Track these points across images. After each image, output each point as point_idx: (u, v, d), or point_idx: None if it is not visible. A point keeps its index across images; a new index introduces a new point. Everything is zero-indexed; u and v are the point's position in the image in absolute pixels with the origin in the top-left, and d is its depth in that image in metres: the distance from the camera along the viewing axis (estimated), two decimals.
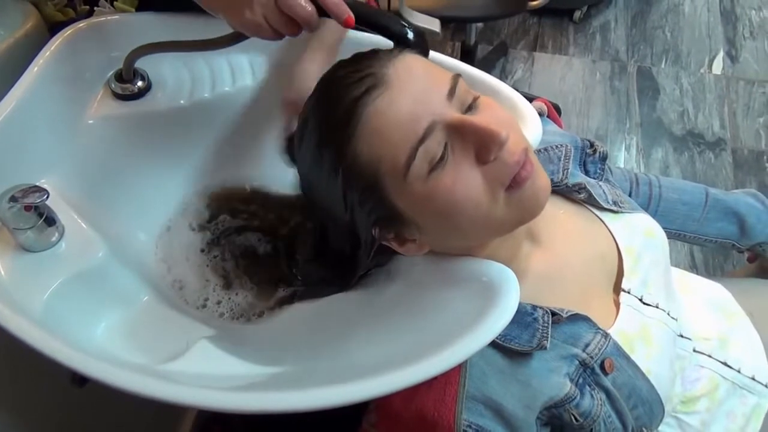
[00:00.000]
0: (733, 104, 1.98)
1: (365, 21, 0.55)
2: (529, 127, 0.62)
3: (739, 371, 0.72)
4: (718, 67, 2.10)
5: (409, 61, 0.50)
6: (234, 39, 0.61)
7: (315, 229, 0.64)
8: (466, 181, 0.48)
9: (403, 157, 0.47)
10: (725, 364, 0.72)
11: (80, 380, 0.63)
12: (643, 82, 2.07)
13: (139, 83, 0.73)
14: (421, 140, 0.47)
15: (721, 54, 2.14)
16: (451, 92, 0.49)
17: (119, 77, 0.72)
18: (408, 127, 0.47)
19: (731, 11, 2.28)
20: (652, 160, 1.85)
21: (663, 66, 2.11)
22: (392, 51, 0.50)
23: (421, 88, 0.48)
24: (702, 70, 2.09)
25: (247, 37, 0.58)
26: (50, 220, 0.60)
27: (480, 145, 0.48)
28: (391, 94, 0.47)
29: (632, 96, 2.03)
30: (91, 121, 0.71)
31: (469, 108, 0.50)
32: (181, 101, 0.75)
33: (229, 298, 0.69)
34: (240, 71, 0.78)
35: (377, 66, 0.48)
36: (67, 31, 0.70)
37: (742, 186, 1.78)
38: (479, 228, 0.52)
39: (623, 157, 1.87)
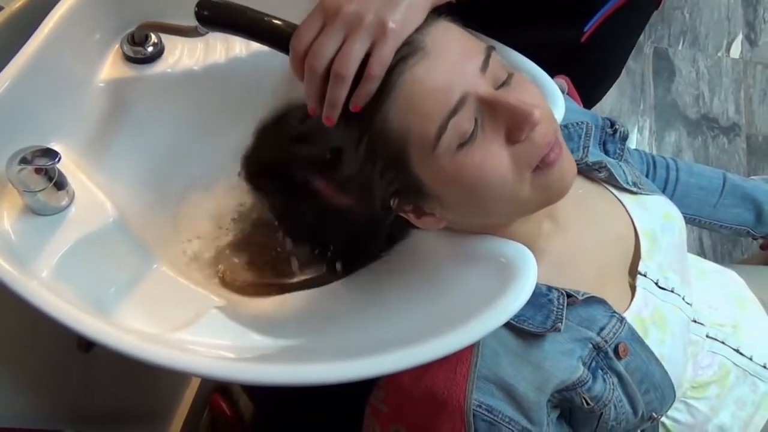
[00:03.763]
0: (750, 89, 1.95)
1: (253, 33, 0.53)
2: (552, 105, 0.60)
3: (751, 359, 0.72)
4: (736, 50, 2.06)
5: (444, 28, 0.48)
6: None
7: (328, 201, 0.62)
8: (494, 160, 0.47)
9: (433, 128, 0.46)
10: (737, 351, 0.71)
11: (86, 346, 0.63)
12: (659, 64, 2.03)
13: (151, 47, 0.71)
14: (453, 112, 0.45)
15: (740, 37, 2.09)
16: (485, 64, 0.47)
17: (132, 39, 0.71)
18: (441, 97, 0.45)
19: None
20: (665, 144, 1.83)
21: (680, 48, 2.07)
22: (427, 17, 0.48)
23: (456, 57, 0.46)
24: (719, 54, 2.05)
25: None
26: (60, 184, 0.59)
27: (512, 124, 0.47)
28: (429, 62, 0.46)
29: (647, 77, 1.99)
30: (101, 84, 0.69)
31: (502, 84, 0.48)
32: (194, 66, 0.73)
33: (241, 270, 0.68)
34: None
35: (412, 33, 0.46)
36: None
37: (754, 172, 1.76)
38: (503, 207, 0.51)
39: (636, 139, 1.84)
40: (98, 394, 0.92)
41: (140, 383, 1.02)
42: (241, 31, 0.54)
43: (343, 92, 0.46)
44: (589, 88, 0.86)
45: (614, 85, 1.94)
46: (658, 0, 0.87)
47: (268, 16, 0.53)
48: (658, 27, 2.13)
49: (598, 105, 1.89)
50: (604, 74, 0.94)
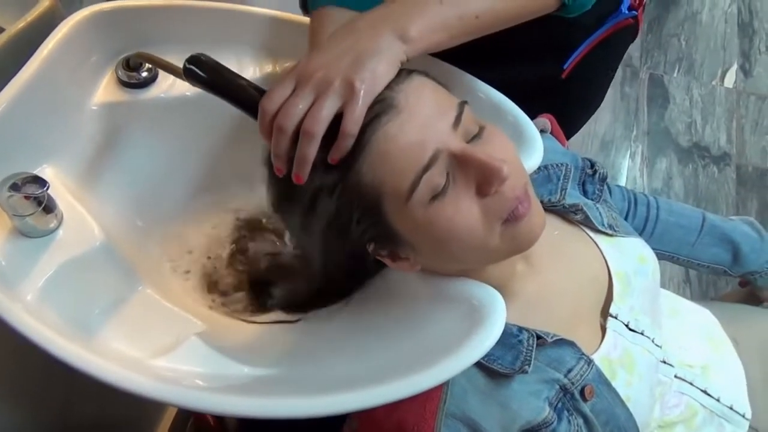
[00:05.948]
0: (742, 119, 1.98)
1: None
2: (530, 150, 0.62)
3: (718, 400, 0.73)
4: (730, 80, 2.08)
5: (417, 84, 0.50)
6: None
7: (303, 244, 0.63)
8: (465, 212, 0.49)
9: (407, 182, 0.47)
10: (705, 392, 0.73)
11: None
12: (654, 90, 2.05)
13: (146, 72, 0.73)
14: (426, 168, 0.47)
15: (735, 67, 2.12)
16: (457, 120, 0.49)
17: (127, 64, 0.72)
18: (414, 153, 0.47)
19: (749, 24, 2.26)
20: (656, 170, 1.85)
21: (675, 75, 2.10)
22: (400, 74, 0.50)
23: (428, 114, 0.48)
24: (714, 82, 2.07)
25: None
26: (49, 208, 0.60)
27: (482, 178, 0.49)
28: (401, 119, 0.47)
29: (642, 103, 2.02)
30: (95, 108, 0.71)
31: (474, 137, 0.50)
32: (187, 92, 0.75)
33: (225, 296, 0.69)
34: (245, 64, 0.78)
35: (386, 90, 0.48)
36: (82, 14, 0.69)
37: (743, 203, 1.78)
38: (473, 255, 0.53)
39: (627, 165, 1.87)
40: (82, 403, 0.93)
41: (125, 393, 1.03)
42: (220, 93, 0.56)
43: (313, 150, 0.47)
44: (570, 120, 0.89)
45: (608, 111, 1.99)
46: (634, 34, 0.89)
47: (249, 83, 0.55)
48: (654, 53, 2.16)
49: (592, 129, 1.93)
50: (584, 107, 0.97)
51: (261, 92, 0.53)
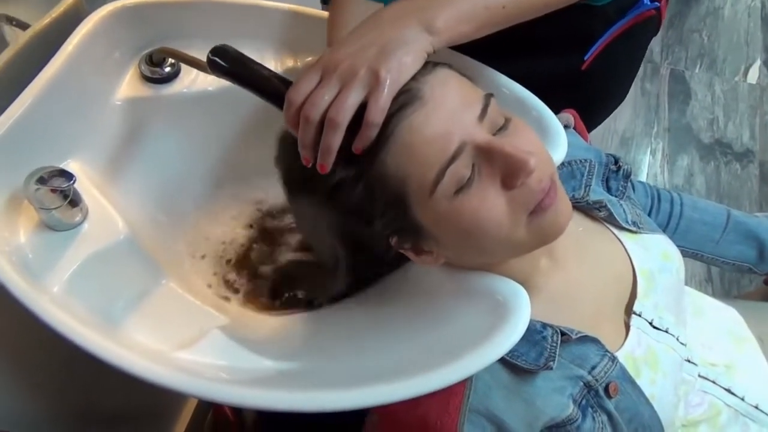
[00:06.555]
0: (765, 116, 1.94)
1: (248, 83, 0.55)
2: (554, 144, 0.61)
3: (743, 399, 0.72)
4: (753, 76, 2.05)
5: (443, 76, 0.49)
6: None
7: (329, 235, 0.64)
8: (490, 204, 0.49)
9: (431, 175, 0.47)
10: (729, 391, 0.72)
11: None
12: (675, 86, 2.03)
13: (168, 67, 0.73)
14: (451, 160, 0.47)
15: (758, 63, 2.09)
16: (483, 113, 0.48)
17: (150, 60, 0.73)
18: (439, 145, 0.47)
19: None
20: (677, 168, 1.83)
21: (697, 71, 2.07)
22: (425, 66, 0.50)
23: (454, 106, 0.48)
24: (736, 78, 2.04)
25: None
26: (74, 202, 0.61)
27: (508, 171, 0.48)
28: (427, 110, 0.47)
29: (662, 99, 1.99)
30: (118, 102, 0.72)
31: (500, 129, 0.49)
32: (209, 87, 0.75)
33: (246, 288, 0.70)
34: (267, 59, 0.78)
35: (411, 82, 0.48)
36: (106, 9, 0.70)
37: (766, 200, 1.75)
38: (499, 248, 0.52)
39: (647, 162, 1.84)
40: (104, 394, 0.94)
41: (146, 384, 1.04)
42: (245, 84, 0.56)
43: (337, 139, 0.47)
44: (591, 114, 0.88)
45: (629, 107, 1.97)
46: (657, 27, 0.88)
47: (274, 74, 0.55)
48: (676, 49, 2.14)
49: (612, 125, 1.91)
50: (606, 100, 0.96)
51: (285, 83, 0.53)
